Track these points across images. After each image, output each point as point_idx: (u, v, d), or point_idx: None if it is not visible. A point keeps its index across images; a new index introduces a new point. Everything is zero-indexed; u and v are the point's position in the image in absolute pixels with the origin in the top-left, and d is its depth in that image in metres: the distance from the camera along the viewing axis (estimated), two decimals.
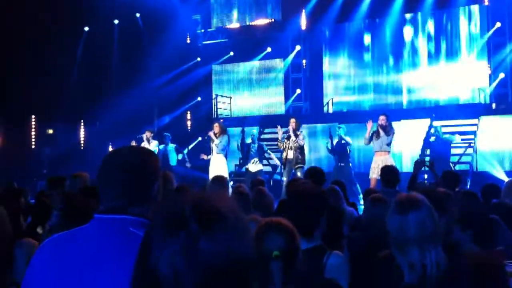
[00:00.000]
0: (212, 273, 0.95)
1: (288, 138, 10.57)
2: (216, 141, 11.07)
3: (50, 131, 17.39)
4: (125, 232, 1.52)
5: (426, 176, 12.04)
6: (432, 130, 12.12)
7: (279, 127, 10.99)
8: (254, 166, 11.84)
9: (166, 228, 0.99)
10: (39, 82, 15.18)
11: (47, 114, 15.93)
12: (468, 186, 10.86)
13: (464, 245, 2.95)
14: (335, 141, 11.60)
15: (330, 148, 11.67)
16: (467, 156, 12.66)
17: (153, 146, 12.16)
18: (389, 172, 5.68)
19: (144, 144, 11.89)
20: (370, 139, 9.86)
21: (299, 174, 10.02)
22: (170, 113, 17.80)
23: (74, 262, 1.49)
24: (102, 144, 17.46)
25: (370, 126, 9.90)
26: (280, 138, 10.84)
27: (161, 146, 13.00)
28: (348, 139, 11.47)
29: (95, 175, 5.40)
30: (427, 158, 12.51)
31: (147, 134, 12.40)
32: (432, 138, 11.80)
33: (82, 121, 17.93)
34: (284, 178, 10.58)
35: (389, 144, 9.60)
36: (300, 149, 10.50)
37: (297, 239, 2.12)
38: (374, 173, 9.35)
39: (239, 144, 12.40)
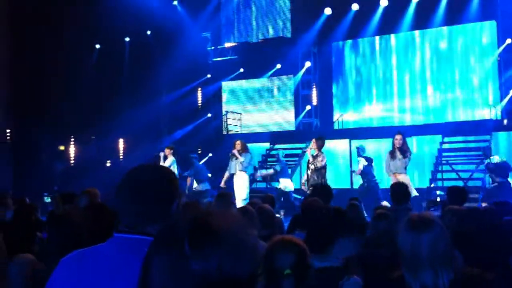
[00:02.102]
0: None
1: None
2: (241, 158, 10.96)
3: (62, 148, 17.52)
4: (139, 253, 1.52)
5: (438, 192, 11.96)
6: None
7: (308, 149, 10.36)
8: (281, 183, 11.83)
9: (159, 248, 0.99)
10: (52, 99, 15.36)
11: (58, 130, 16.07)
12: (479, 202, 10.74)
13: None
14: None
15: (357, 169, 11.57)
16: (479, 173, 12.55)
17: (168, 162, 11.79)
18: (398, 189, 5.65)
19: (160, 162, 11.57)
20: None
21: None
22: (180, 129, 17.88)
23: (90, 280, 1.52)
24: (112, 160, 17.58)
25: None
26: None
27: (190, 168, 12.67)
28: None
29: (104, 190, 5.42)
30: (439, 175, 12.43)
31: (166, 151, 12.01)
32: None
33: (93, 137, 18.06)
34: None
35: (405, 168, 9.17)
36: (318, 170, 9.97)
37: (308, 257, 2.12)
38: None
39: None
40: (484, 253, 2.77)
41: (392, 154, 9.14)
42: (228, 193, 5.65)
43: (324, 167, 9.94)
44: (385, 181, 10.94)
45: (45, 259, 2.78)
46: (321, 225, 3.39)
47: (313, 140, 10.25)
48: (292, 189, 11.87)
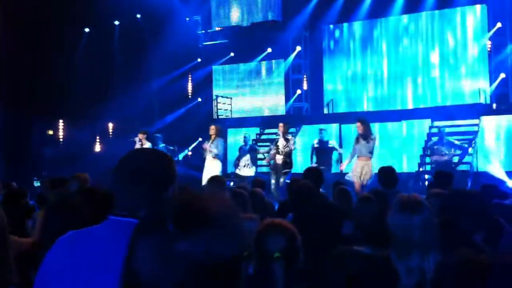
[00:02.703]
0: (191, 274, 0.95)
1: (277, 142, 10.43)
2: (214, 150, 10.67)
3: (50, 132, 17.39)
4: (128, 235, 1.57)
5: (427, 176, 12.06)
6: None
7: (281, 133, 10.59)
8: (245, 170, 11.70)
9: (143, 230, 0.99)
10: (40, 83, 15.20)
11: (47, 115, 15.94)
12: (468, 187, 10.86)
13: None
14: (319, 143, 11.54)
15: (315, 147, 11.50)
16: (468, 157, 12.66)
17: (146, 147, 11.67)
18: (386, 173, 5.69)
19: (136, 147, 11.24)
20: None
21: (282, 180, 9.95)
22: (170, 113, 17.81)
23: (81, 259, 1.58)
24: (102, 145, 17.50)
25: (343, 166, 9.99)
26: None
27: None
28: (333, 142, 11.52)
29: (95, 176, 5.41)
30: (428, 160, 12.56)
31: (139, 136, 11.72)
32: (435, 138, 11.78)
33: (82, 122, 17.93)
34: (273, 181, 10.47)
35: (371, 152, 9.28)
36: (288, 154, 10.36)
37: (298, 240, 2.13)
38: (355, 177, 9.26)
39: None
40: (470, 236, 2.79)
41: (357, 138, 9.32)
42: (220, 177, 5.65)
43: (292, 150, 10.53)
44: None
45: (40, 244, 2.79)
46: (313, 207, 3.41)
47: (281, 124, 10.56)
48: (253, 175, 11.63)
